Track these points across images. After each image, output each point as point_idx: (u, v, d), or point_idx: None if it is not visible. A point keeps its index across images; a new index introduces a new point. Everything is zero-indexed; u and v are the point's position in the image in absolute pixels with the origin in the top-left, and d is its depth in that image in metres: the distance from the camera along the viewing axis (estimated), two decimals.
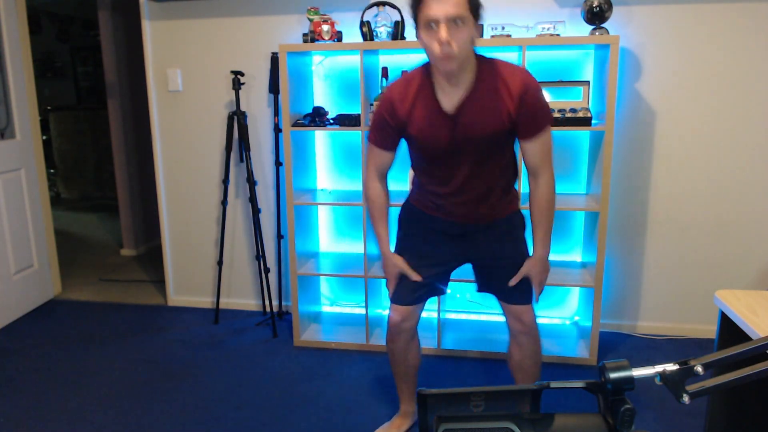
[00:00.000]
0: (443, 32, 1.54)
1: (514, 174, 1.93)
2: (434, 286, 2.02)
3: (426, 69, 1.75)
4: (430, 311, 3.20)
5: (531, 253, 1.92)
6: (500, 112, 1.69)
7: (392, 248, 2.02)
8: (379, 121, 1.81)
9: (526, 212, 2.06)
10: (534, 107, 1.70)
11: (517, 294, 1.94)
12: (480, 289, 2.05)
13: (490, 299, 3.13)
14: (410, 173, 2.53)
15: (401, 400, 2.22)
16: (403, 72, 1.97)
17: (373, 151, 1.89)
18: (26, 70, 3.40)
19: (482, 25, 1.67)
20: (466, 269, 2.86)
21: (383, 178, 1.96)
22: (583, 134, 2.88)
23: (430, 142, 1.76)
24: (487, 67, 1.70)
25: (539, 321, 3.11)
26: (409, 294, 1.98)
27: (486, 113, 1.70)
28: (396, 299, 2.00)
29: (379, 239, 1.98)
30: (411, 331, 2.06)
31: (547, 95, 2.69)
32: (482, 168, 1.80)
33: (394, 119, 1.77)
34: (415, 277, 1.96)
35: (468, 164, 1.79)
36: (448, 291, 3.11)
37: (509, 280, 1.93)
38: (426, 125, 1.74)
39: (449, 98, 1.71)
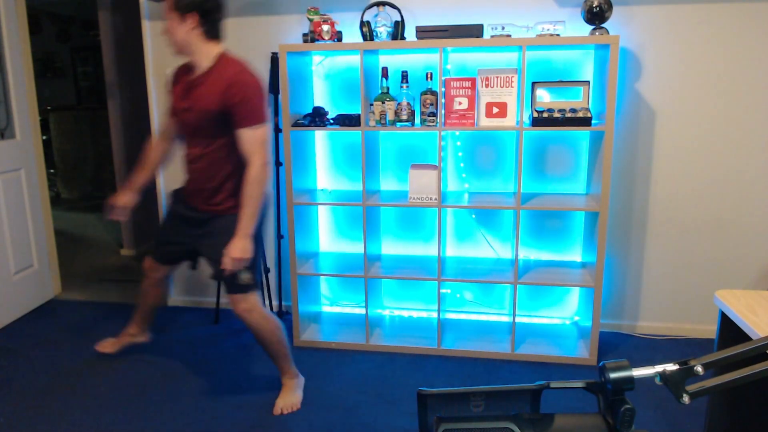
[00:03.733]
0: (163, 27, 2.26)
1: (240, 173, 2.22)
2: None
3: None
4: (430, 311, 3.20)
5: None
6: (213, 96, 2.07)
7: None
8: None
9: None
10: (236, 103, 2.05)
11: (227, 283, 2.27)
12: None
13: (490, 299, 3.13)
14: (410, 172, 2.54)
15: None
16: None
17: None
18: (26, 70, 3.40)
19: (197, 18, 2.09)
20: (460, 270, 2.88)
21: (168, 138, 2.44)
22: (583, 134, 2.88)
23: (174, 107, 2.23)
24: (223, 61, 2.11)
25: (542, 321, 3.11)
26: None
27: (206, 93, 2.09)
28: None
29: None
30: (158, 280, 2.59)
31: (547, 95, 2.69)
32: (206, 145, 2.18)
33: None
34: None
35: (193, 136, 2.20)
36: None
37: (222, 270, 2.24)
38: (176, 95, 2.22)
39: (190, 76, 2.18)
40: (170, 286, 3.52)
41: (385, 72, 2.68)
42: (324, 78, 3.05)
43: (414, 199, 2.70)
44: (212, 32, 2.10)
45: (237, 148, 2.15)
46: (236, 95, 2.03)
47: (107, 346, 2.84)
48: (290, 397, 2.38)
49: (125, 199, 2.43)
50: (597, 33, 2.58)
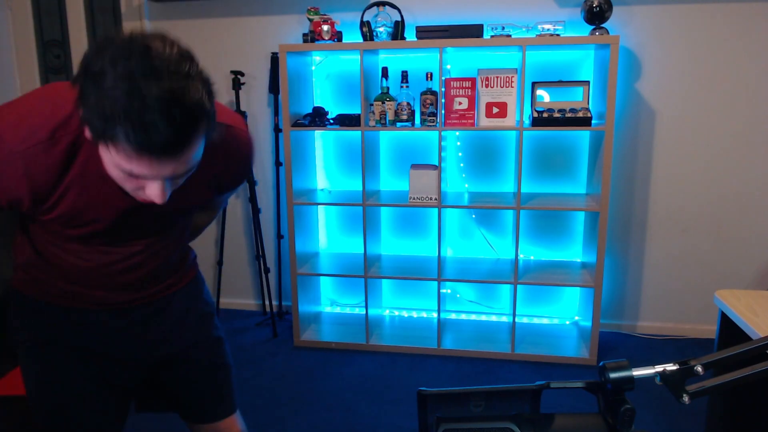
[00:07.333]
0: (157, 189, 1.02)
1: None
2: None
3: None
4: (430, 311, 3.20)
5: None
6: (203, 186, 1.27)
7: None
8: None
9: None
10: (239, 180, 1.35)
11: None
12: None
13: (491, 299, 3.13)
14: (411, 173, 2.52)
15: None
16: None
17: None
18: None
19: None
20: (460, 270, 2.87)
21: None
22: (583, 134, 2.88)
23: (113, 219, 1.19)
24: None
25: (542, 321, 3.11)
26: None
27: (193, 188, 1.22)
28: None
29: None
30: None
31: (547, 95, 2.69)
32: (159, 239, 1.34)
33: None
34: None
35: (135, 238, 1.28)
36: None
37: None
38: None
39: None
40: None
41: (385, 72, 2.68)
42: (324, 78, 3.05)
43: (414, 199, 2.70)
44: None
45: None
46: (238, 173, 1.31)
47: None
48: None
49: None
50: (597, 33, 2.58)
